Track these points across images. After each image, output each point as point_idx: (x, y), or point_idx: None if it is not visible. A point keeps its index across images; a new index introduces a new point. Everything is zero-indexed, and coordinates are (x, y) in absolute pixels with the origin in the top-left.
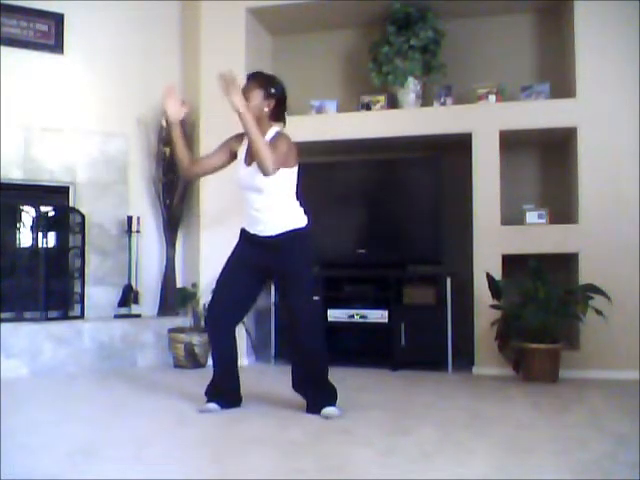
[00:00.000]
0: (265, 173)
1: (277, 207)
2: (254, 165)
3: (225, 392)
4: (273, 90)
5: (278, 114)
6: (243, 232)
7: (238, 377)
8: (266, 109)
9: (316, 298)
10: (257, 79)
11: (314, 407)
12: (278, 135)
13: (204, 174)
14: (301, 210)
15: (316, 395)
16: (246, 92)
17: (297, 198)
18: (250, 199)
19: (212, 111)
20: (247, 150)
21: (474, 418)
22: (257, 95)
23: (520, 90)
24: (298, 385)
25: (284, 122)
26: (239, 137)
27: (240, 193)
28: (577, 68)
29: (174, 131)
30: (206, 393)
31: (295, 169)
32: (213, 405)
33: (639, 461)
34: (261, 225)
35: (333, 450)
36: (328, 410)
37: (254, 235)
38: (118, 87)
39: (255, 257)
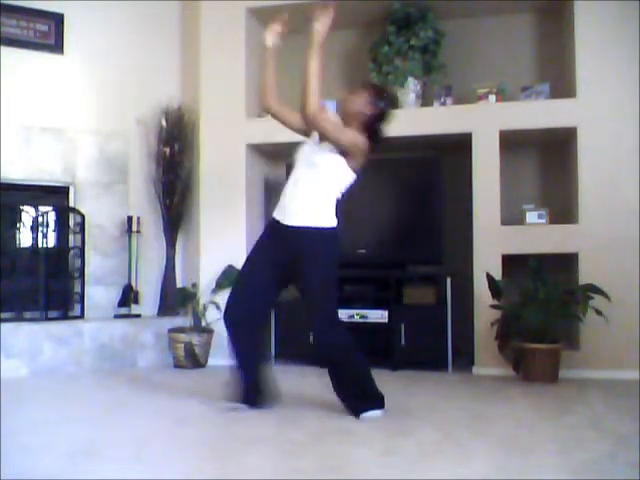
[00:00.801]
0: (302, 109)
1: (313, 195)
2: (322, 146)
3: (252, 393)
4: (379, 101)
5: (371, 130)
6: (270, 222)
7: (264, 376)
8: (366, 112)
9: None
10: (371, 86)
11: (351, 412)
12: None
13: (275, 116)
14: (332, 212)
15: (350, 402)
16: (354, 91)
17: (337, 203)
18: (298, 174)
19: (212, 111)
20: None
21: (474, 418)
22: (362, 95)
23: (520, 90)
24: (335, 389)
25: (375, 142)
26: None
27: (291, 173)
28: (577, 68)
29: (268, 57)
30: (235, 396)
31: (351, 173)
32: (240, 405)
33: (639, 461)
34: (289, 209)
35: (333, 450)
36: (364, 415)
37: (278, 223)
38: (118, 87)
39: (274, 251)
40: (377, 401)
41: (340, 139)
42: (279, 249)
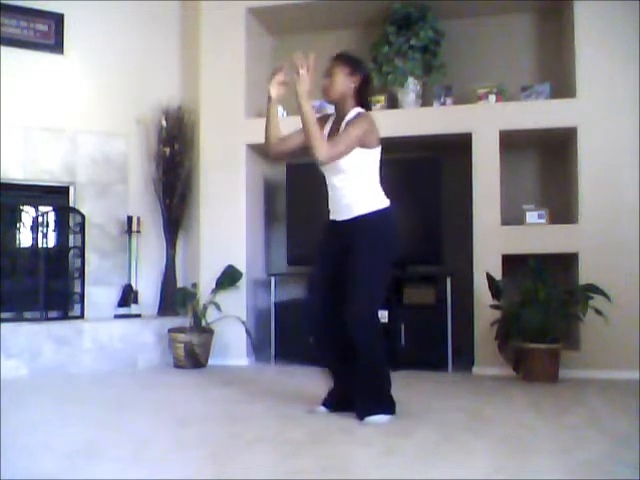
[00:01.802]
0: (319, 160)
1: (357, 189)
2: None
3: (335, 395)
4: (358, 69)
5: (361, 97)
6: (327, 224)
7: (348, 377)
8: (352, 85)
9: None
10: (343, 58)
11: (357, 413)
12: (358, 116)
13: (289, 152)
14: (381, 192)
15: (360, 401)
16: (330, 69)
17: (379, 180)
18: (332, 182)
19: (212, 111)
20: (329, 131)
21: (474, 418)
22: (340, 71)
23: (520, 90)
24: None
25: (367, 107)
26: (322, 119)
27: (325, 179)
28: (577, 68)
29: (271, 108)
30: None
31: (375, 150)
32: (322, 408)
33: (639, 461)
34: (341, 208)
35: (333, 450)
36: (369, 419)
37: (334, 222)
38: (118, 87)
39: (335, 248)
40: (387, 406)
41: (359, 143)
42: (337, 244)
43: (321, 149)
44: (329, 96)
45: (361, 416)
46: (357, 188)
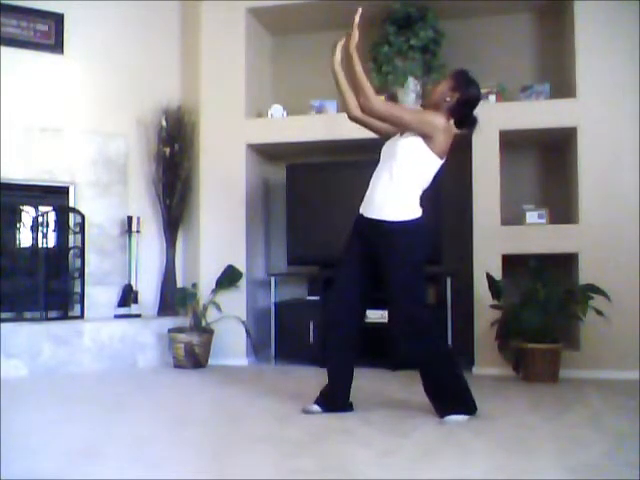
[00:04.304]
0: (360, 103)
1: (395, 188)
2: (404, 135)
3: (331, 394)
4: (460, 88)
5: (460, 116)
6: (356, 217)
7: (349, 380)
8: (447, 99)
9: (420, 300)
10: (456, 73)
11: (437, 412)
12: (436, 115)
13: (363, 123)
14: (412, 203)
15: (436, 401)
16: (440, 81)
17: (422, 192)
18: (377, 170)
19: (212, 111)
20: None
21: (474, 418)
22: (445, 82)
23: (520, 90)
24: (424, 389)
25: (466, 128)
26: None
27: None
28: (577, 68)
29: (336, 74)
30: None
31: (435, 159)
32: (316, 407)
33: (639, 461)
34: (371, 201)
35: (333, 450)
36: (448, 418)
37: (361, 218)
38: (118, 87)
39: (359, 245)
40: (463, 406)
41: (403, 117)
42: (362, 243)
43: (368, 94)
44: (427, 99)
45: (440, 415)
46: (395, 187)
